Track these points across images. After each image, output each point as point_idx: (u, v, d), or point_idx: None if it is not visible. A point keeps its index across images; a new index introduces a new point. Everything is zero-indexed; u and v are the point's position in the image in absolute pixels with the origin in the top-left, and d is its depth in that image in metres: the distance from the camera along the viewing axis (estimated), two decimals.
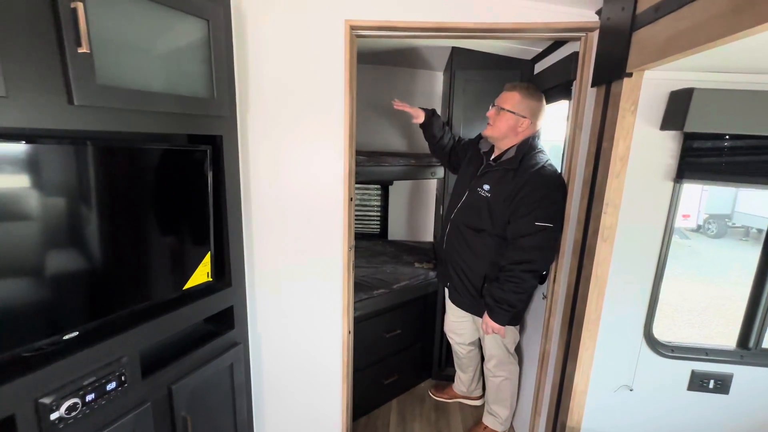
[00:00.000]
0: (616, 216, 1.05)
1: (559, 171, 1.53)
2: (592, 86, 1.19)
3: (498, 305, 1.48)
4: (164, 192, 1.14)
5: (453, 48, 1.96)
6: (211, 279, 1.35)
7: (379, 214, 3.04)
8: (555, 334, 1.47)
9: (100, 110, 0.91)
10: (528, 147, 1.52)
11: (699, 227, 7.51)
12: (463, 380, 2.14)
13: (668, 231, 1.10)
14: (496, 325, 1.50)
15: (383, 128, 2.66)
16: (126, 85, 0.96)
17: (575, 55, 1.37)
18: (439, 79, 2.61)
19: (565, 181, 1.45)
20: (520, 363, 1.89)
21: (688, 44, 0.75)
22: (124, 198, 1.03)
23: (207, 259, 1.33)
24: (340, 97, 1.37)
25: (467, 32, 1.30)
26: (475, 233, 1.60)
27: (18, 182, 0.81)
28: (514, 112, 1.52)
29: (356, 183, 1.84)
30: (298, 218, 1.49)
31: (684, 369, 1.19)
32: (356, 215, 2.93)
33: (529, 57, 1.96)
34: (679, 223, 6.91)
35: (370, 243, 2.74)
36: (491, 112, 1.60)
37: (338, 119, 1.39)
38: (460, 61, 1.96)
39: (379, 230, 3.06)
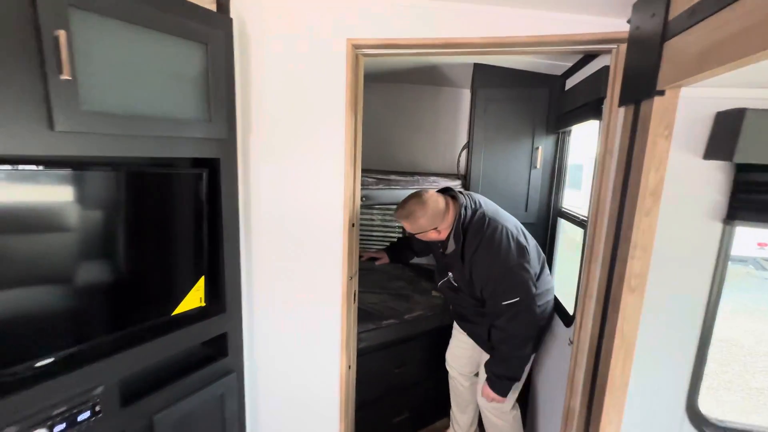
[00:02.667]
0: (646, 261, 0.87)
1: (506, 228, 1.40)
2: (620, 105, 1.02)
3: (498, 379, 1.43)
4: (155, 214, 1.12)
5: (475, 65, 1.84)
6: (204, 304, 1.32)
7: (401, 234, 2.93)
8: (581, 388, 1.26)
9: (85, 135, 0.91)
10: (463, 224, 1.41)
11: None
12: (461, 424, 1.93)
13: (717, 281, 0.89)
14: (498, 396, 1.44)
15: (409, 147, 2.58)
16: (114, 110, 0.95)
17: (606, 69, 1.20)
18: (465, 96, 2.49)
19: (523, 239, 1.41)
20: (539, 413, 1.67)
21: (731, 55, 0.59)
22: (110, 221, 1.02)
23: (200, 283, 1.30)
24: (341, 117, 1.30)
25: (477, 47, 1.19)
26: (466, 295, 1.52)
27: None
28: (423, 232, 1.42)
29: (370, 206, 1.77)
30: (295, 244, 1.43)
31: None
32: (376, 235, 2.84)
33: (559, 72, 1.79)
34: (755, 252, 6.11)
35: (388, 266, 2.63)
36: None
37: (339, 141, 1.32)
38: (482, 78, 1.84)
39: None
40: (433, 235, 1.43)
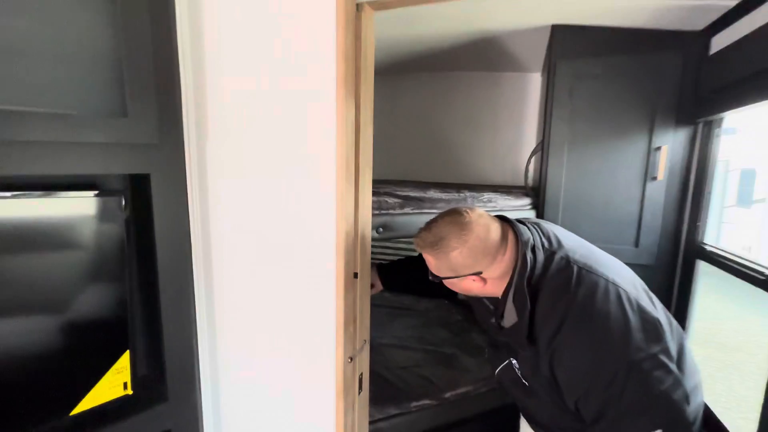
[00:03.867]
0: None
1: (616, 285, 0.77)
2: None
3: None
4: (33, 267, 0.71)
5: (553, 27, 1.23)
6: (130, 392, 0.88)
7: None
8: None
9: None
10: (530, 278, 0.79)
11: None
12: None
13: None
14: None
15: (456, 152, 2.00)
16: None
17: None
18: (534, 83, 1.86)
19: (648, 304, 0.77)
20: None
21: None
22: None
23: (123, 361, 0.86)
24: (329, 104, 0.80)
25: None
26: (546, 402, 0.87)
27: None
28: (456, 276, 0.84)
29: (389, 239, 1.23)
30: (267, 307, 0.94)
31: None
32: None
33: (699, 25, 1.11)
34: None
35: (432, 304, 2.05)
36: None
37: (325, 142, 0.82)
38: (565, 45, 1.22)
39: None
40: (473, 287, 0.85)
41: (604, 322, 0.73)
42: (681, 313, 1.25)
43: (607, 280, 0.77)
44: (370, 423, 1.15)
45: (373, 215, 1.07)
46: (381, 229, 1.07)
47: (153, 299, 0.87)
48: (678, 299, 1.25)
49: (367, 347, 1.00)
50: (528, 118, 1.84)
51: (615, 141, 1.22)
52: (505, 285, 0.82)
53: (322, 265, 0.86)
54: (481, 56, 1.67)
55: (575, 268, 0.78)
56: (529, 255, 0.79)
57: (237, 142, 0.89)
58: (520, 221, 0.87)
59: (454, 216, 0.83)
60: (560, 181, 1.26)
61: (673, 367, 0.72)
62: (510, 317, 0.81)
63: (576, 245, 0.84)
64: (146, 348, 0.91)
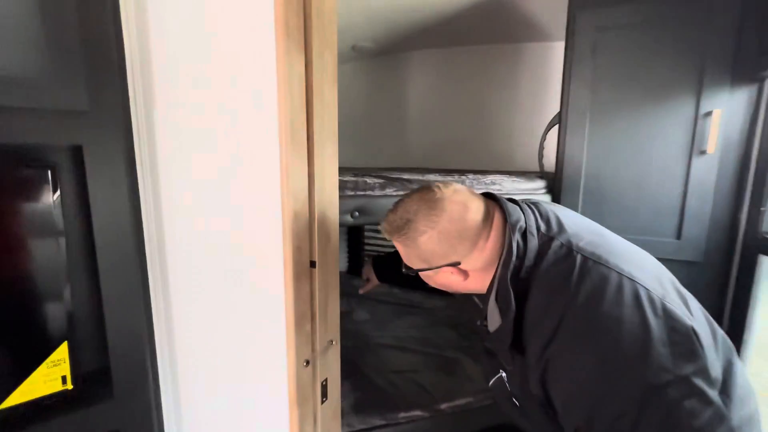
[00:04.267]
0: None
1: (633, 281, 0.57)
2: None
3: None
4: None
5: None
6: (70, 387, 0.80)
7: None
8: None
9: None
10: (517, 270, 0.62)
11: None
12: None
13: None
14: None
15: (463, 135, 1.81)
16: None
17: None
18: (558, 53, 1.62)
19: (679, 307, 0.57)
20: None
21: None
22: None
23: (61, 352, 0.78)
24: (268, 57, 0.66)
25: None
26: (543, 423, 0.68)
27: None
28: (429, 268, 0.68)
29: (367, 226, 1.08)
30: (218, 295, 0.83)
31: None
32: None
33: None
34: None
35: (443, 302, 1.87)
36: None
37: (266, 108, 0.68)
38: None
39: None
40: (452, 282, 0.68)
41: (614, 329, 0.54)
42: (738, 322, 1.00)
43: (621, 274, 0.57)
44: None
45: (348, 197, 0.93)
46: (357, 214, 0.93)
47: (95, 286, 0.79)
48: (733, 304, 0.99)
49: (334, 349, 0.86)
50: (551, 95, 1.61)
51: (649, 107, 0.98)
52: (489, 279, 0.65)
53: (269, 252, 0.74)
54: (495, 24, 1.47)
55: (578, 258, 0.59)
56: (516, 240, 0.61)
57: (179, 109, 0.78)
58: (512, 201, 0.69)
59: (423, 192, 0.66)
60: (580, 158, 1.04)
61: (713, 394, 0.52)
62: (494, 319, 0.64)
63: (583, 229, 0.65)
64: (92, 340, 0.83)
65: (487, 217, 0.64)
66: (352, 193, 0.93)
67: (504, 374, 0.71)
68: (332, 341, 0.84)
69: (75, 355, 0.77)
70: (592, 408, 0.54)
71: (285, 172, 0.67)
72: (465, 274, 0.66)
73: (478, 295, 0.76)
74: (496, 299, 0.62)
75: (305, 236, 0.73)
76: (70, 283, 0.74)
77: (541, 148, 1.21)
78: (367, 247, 2.27)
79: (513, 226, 0.62)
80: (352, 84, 2.10)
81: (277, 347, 0.75)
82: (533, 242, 0.62)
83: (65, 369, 0.76)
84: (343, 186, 0.91)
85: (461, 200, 0.64)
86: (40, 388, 0.74)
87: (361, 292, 1.11)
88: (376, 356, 1.38)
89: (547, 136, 1.18)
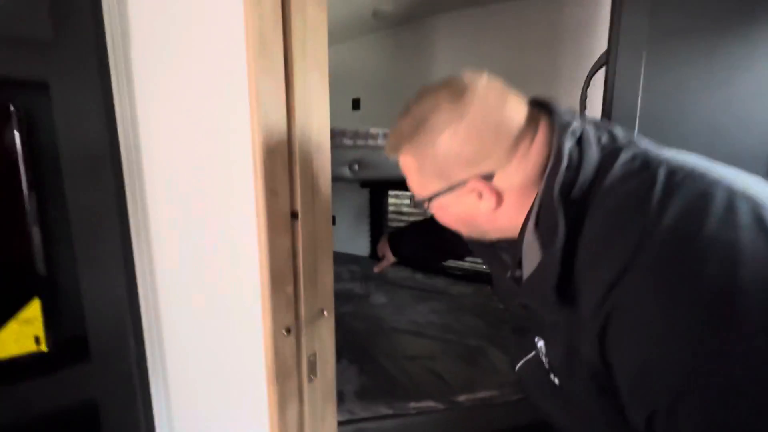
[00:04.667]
0: None
1: (747, 196, 0.35)
2: None
3: None
4: None
5: None
6: (45, 349, 0.74)
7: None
8: None
9: None
10: (569, 184, 0.42)
11: None
12: None
13: None
14: None
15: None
16: None
17: None
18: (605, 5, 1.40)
19: None
20: None
21: None
22: None
23: (33, 310, 0.73)
24: None
25: None
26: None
27: None
28: (449, 188, 0.49)
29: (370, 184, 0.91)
30: (193, 245, 0.73)
31: None
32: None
33: None
34: None
35: (470, 289, 1.70)
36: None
37: (237, 34, 0.57)
38: None
39: None
40: (479, 212, 0.49)
41: (727, 258, 0.34)
42: None
43: (730, 190, 0.37)
44: (350, 422, 0.90)
45: (347, 147, 0.80)
46: (356, 167, 0.80)
47: (66, 238, 0.72)
48: None
49: (327, 320, 0.74)
50: (597, 49, 1.39)
51: (729, 34, 0.77)
52: (531, 202, 0.47)
53: (239, 193, 0.62)
54: None
55: (662, 170, 0.40)
56: (568, 146, 0.44)
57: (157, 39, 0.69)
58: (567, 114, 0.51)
59: (446, 83, 0.49)
60: (634, 102, 0.84)
61: None
62: (531, 258, 0.46)
63: (666, 150, 0.46)
64: (67, 299, 0.77)
65: (532, 122, 0.47)
66: (351, 142, 0.80)
67: (540, 344, 0.54)
68: (323, 311, 0.72)
69: (49, 316, 0.71)
70: (684, 382, 0.35)
71: (254, 96, 0.56)
72: (498, 197, 0.48)
73: (507, 248, 0.58)
74: (537, 227, 0.44)
75: (283, 180, 0.61)
76: (45, 236, 0.67)
77: (584, 96, 1.01)
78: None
79: (563, 128, 0.45)
80: (376, 55, 1.98)
81: (254, 313, 0.64)
82: (592, 151, 0.44)
83: (39, 329, 0.70)
84: (340, 134, 0.79)
85: (496, 95, 0.47)
86: (10, 346, 0.68)
87: (376, 270, 0.99)
88: (389, 340, 1.25)
89: (592, 81, 0.99)
